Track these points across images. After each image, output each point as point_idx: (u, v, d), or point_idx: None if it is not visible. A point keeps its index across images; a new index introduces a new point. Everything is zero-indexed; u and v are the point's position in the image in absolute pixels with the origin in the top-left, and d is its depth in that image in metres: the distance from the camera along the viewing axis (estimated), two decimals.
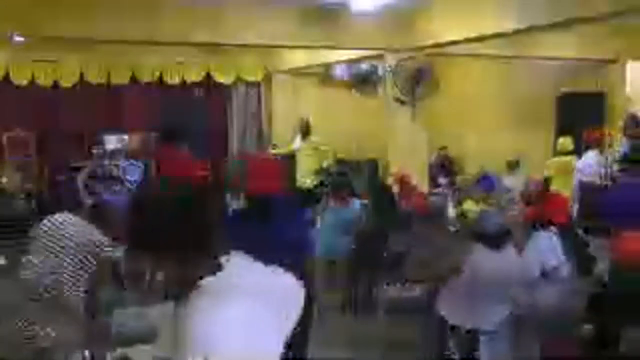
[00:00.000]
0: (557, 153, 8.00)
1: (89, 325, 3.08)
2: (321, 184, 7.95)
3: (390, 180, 6.84)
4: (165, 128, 6.49)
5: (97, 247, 3.04)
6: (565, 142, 7.89)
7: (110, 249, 3.07)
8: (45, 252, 3.01)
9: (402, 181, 6.39)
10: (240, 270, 1.56)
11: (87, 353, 2.85)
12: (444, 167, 10.13)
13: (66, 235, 3.02)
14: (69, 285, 2.99)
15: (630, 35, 8.19)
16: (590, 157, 7.23)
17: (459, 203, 6.81)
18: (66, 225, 3.05)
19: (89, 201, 3.12)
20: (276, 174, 3.34)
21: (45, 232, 3.05)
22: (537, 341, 3.85)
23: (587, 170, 7.13)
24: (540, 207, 4.43)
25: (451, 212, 6.39)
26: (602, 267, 4.25)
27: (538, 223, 4.23)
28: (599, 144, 7.44)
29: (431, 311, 4.07)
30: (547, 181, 7.34)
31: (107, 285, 3.18)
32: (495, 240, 3.82)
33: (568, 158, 7.71)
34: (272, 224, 3.13)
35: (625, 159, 5.20)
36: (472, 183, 7.58)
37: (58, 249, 3.00)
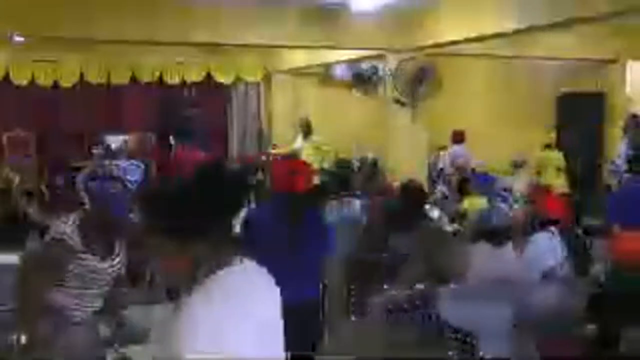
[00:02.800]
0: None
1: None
2: (322, 183, 7.92)
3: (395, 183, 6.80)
4: (165, 128, 6.49)
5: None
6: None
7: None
8: None
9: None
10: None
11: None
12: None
13: None
14: None
15: (630, 35, 8.19)
16: (462, 148, 9.12)
17: (459, 202, 6.80)
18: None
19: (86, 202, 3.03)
20: (303, 173, 3.36)
21: None
22: (536, 341, 3.84)
23: (458, 159, 8.99)
24: (535, 206, 4.41)
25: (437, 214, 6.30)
26: (598, 267, 4.26)
27: (537, 223, 4.23)
28: (462, 140, 9.11)
29: (431, 312, 4.07)
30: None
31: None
32: (497, 236, 3.83)
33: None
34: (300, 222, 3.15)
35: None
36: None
37: None
